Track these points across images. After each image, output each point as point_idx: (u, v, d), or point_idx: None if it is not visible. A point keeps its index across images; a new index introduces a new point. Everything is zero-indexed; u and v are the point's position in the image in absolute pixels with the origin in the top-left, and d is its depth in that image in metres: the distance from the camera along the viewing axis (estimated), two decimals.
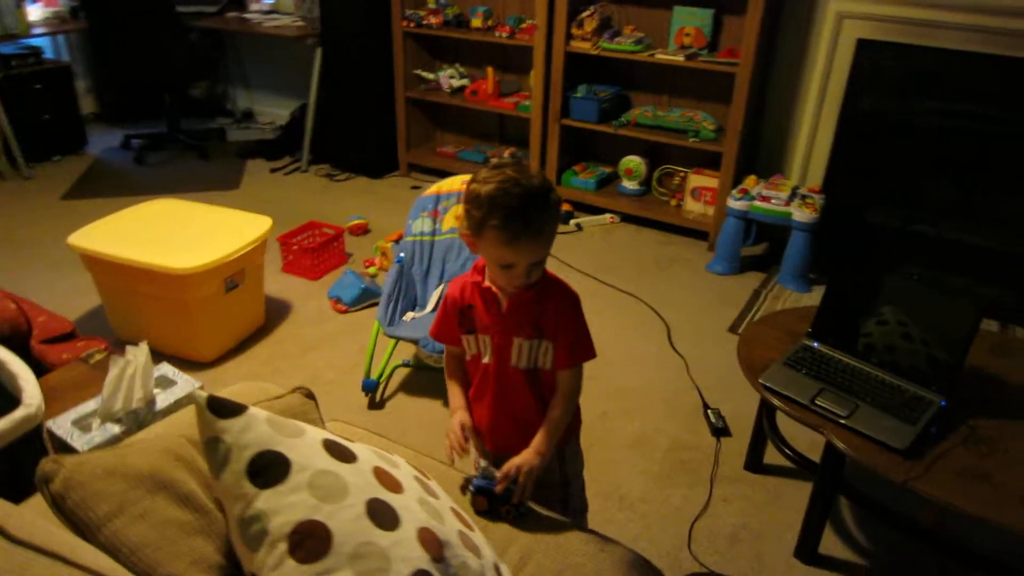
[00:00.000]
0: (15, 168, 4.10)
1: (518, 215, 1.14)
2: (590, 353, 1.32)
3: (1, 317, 1.81)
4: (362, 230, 3.61)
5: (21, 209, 3.75)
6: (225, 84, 5.33)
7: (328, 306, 2.97)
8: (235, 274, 2.52)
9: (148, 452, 0.99)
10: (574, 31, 3.49)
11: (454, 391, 1.44)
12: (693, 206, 3.58)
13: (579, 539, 1.30)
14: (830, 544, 1.89)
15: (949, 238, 3.18)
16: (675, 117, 3.49)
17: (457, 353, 1.44)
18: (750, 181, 3.25)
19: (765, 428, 2.01)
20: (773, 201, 3.09)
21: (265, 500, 0.88)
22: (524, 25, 3.76)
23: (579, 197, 3.80)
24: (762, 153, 3.51)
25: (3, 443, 1.18)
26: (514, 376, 1.34)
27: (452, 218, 2.59)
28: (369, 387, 2.40)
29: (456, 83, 4.09)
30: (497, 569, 1.07)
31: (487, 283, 1.32)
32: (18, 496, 1.03)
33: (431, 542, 0.95)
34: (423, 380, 2.53)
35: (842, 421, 1.55)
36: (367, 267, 3.26)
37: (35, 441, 1.27)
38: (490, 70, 3.95)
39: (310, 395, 1.28)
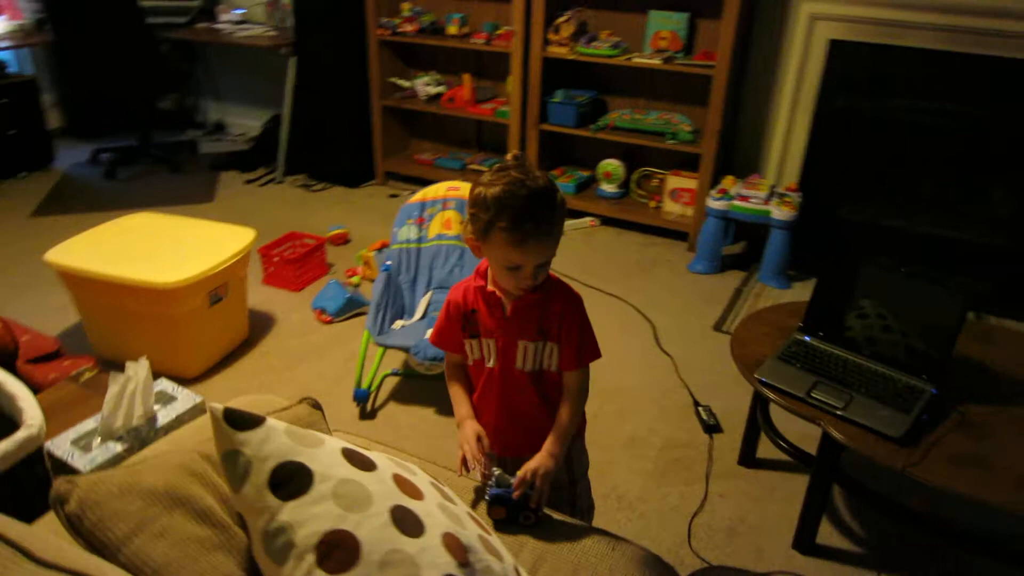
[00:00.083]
0: None
1: (527, 215, 1.15)
2: (596, 353, 1.33)
3: None
4: (343, 240, 3.58)
5: None
6: (195, 96, 5.26)
7: (312, 317, 2.94)
8: (219, 287, 2.48)
9: (162, 469, 0.97)
10: (551, 36, 3.51)
11: (459, 399, 1.42)
12: (672, 207, 3.63)
13: (590, 539, 1.31)
14: (826, 534, 1.92)
15: (922, 232, 3.26)
16: (652, 120, 3.53)
17: (457, 361, 1.43)
18: (728, 181, 3.30)
19: (759, 422, 2.04)
20: (752, 200, 3.14)
21: (289, 512, 0.87)
22: (500, 31, 3.77)
23: None
24: (738, 153, 3.57)
25: (6, 465, 1.15)
26: (519, 378, 1.35)
27: (439, 225, 2.59)
28: (361, 397, 2.38)
29: (432, 90, 4.08)
30: (517, 571, 1.07)
31: (490, 287, 1.32)
32: (21, 520, 1.01)
33: (456, 547, 0.94)
34: (414, 388, 2.52)
35: (839, 413, 1.58)
36: (350, 276, 3.24)
37: (36, 463, 1.23)
38: (466, 77, 3.96)
39: (316, 405, 1.27)
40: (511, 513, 1.28)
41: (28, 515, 1.01)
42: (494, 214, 1.16)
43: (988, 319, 2.95)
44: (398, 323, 2.46)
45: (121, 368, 1.56)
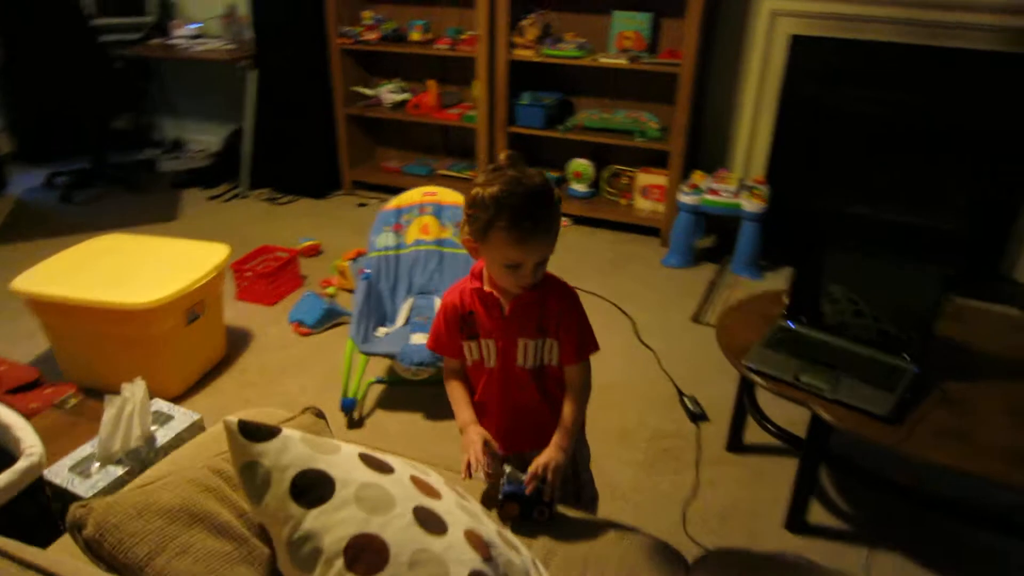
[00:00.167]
0: None
1: (526, 214, 1.16)
2: (595, 346, 1.35)
3: None
4: (315, 251, 3.55)
5: None
6: (151, 113, 5.15)
7: (290, 330, 2.91)
8: (196, 305, 2.44)
9: (175, 487, 0.96)
10: (516, 39, 3.53)
11: (460, 404, 1.42)
12: (643, 204, 3.68)
13: (598, 530, 1.32)
14: (815, 512, 1.97)
15: (887, 219, 3.36)
16: (620, 119, 3.58)
17: (455, 367, 1.43)
18: (698, 176, 3.36)
19: (747, 408, 2.08)
20: (723, 194, 3.21)
21: (313, 519, 0.87)
22: (464, 36, 3.78)
23: None
24: (705, 148, 3.64)
25: (8, 496, 1.11)
26: (520, 375, 1.36)
27: (416, 230, 2.58)
28: (348, 406, 2.36)
29: (397, 97, 4.07)
30: (535, 564, 1.08)
31: (487, 287, 1.33)
32: None
33: (479, 543, 0.95)
34: (399, 395, 2.51)
35: (826, 395, 1.63)
36: (325, 287, 3.21)
37: (37, 492, 1.19)
38: (431, 83, 3.96)
39: (320, 414, 1.27)
40: (525, 509, 1.28)
41: (33, 544, 0.98)
42: (493, 213, 1.17)
43: (955, 300, 3.04)
44: (381, 330, 2.45)
45: (99, 394, 1.51)
